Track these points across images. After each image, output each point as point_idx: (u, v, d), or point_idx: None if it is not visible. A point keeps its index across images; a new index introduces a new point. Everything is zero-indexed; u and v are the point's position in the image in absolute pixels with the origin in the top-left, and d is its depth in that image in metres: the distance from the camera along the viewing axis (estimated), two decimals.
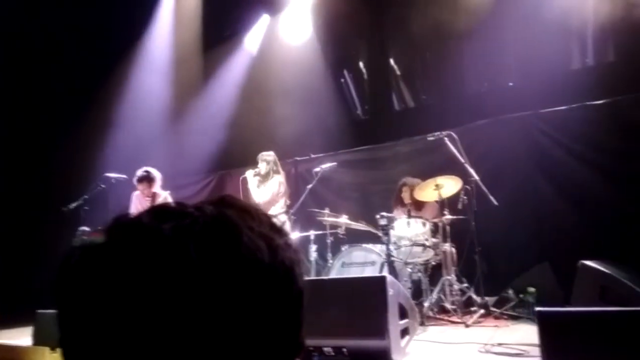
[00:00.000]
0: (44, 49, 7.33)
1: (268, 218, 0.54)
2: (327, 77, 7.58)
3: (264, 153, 5.62)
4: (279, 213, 5.31)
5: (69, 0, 7.19)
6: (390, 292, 2.99)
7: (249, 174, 5.50)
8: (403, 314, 3.20)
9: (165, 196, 5.65)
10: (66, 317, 0.48)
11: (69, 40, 7.29)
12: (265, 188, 5.44)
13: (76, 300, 0.47)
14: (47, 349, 3.55)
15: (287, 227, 5.19)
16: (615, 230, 4.87)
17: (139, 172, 5.57)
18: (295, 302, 0.52)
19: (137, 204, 5.71)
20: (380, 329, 2.92)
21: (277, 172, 5.58)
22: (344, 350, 3.03)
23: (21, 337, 4.55)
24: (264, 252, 0.48)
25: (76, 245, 0.50)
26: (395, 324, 3.03)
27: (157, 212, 0.50)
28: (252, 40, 8.21)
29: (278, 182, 5.49)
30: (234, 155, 7.58)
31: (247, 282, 0.47)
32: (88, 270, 0.47)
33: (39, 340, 3.87)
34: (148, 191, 5.60)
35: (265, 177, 5.47)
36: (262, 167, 5.49)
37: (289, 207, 5.48)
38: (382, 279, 3.06)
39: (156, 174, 5.61)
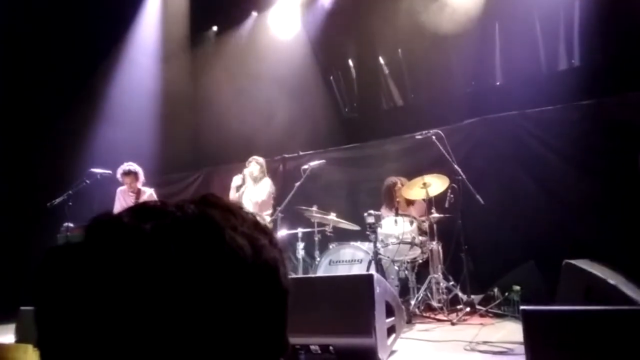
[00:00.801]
0: (28, 43, 7.21)
1: (252, 217, 0.53)
2: (316, 75, 7.57)
3: (256, 156, 5.66)
4: (269, 214, 5.32)
5: None
6: (377, 290, 3.00)
7: (237, 179, 5.49)
8: (390, 312, 3.20)
9: (150, 193, 5.62)
10: (44, 317, 0.46)
11: (54, 34, 7.17)
12: (260, 188, 5.46)
13: (54, 300, 0.45)
14: (30, 346, 3.50)
15: (272, 226, 5.21)
16: (601, 230, 4.93)
17: (124, 167, 5.54)
18: (279, 302, 0.51)
19: (122, 199, 5.67)
20: (366, 327, 2.92)
21: (266, 175, 5.63)
22: (331, 348, 3.03)
23: (4, 334, 4.49)
24: (247, 252, 0.47)
25: (55, 245, 0.49)
26: (381, 322, 3.04)
27: (137, 211, 0.49)
28: (241, 37, 8.16)
29: (270, 184, 5.54)
30: (221, 153, 7.54)
31: (230, 282, 0.46)
32: (67, 269, 0.46)
33: (22, 337, 3.82)
34: (133, 186, 5.57)
35: (259, 179, 5.50)
36: (256, 169, 5.50)
37: (275, 207, 5.49)
38: (369, 277, 3.06)
39: (139, 168, 5.58)
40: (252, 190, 5.46)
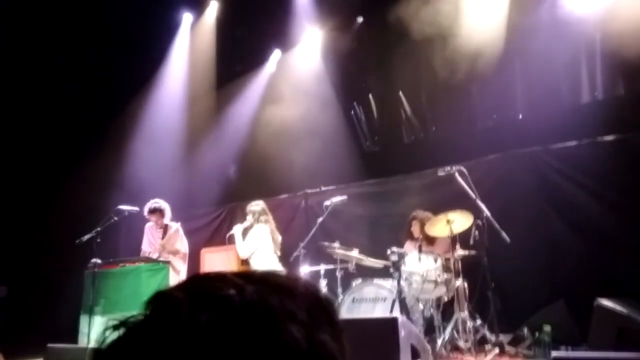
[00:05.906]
0: (60, 83, 7.51)
1: (312, 296, 0.54)
2: (337, 110, 7.67)
3: (252, 203, 5.57)
4: (264, 264, 5.23)
5: (87, 35, 7.39)
6: (402, 333, 2.96)
7: (237, 229, 5.44)
8: (415, 355, 3.16)
9: (176, 228, 5.72)
10: None
11: (86, 75, 7.47)
12: (246, 241, 5.36)
13: None
14: None
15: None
16: (629, 266, 4.79)
17: (150, 204, 5.70)
18: None
19: (150, 235, 5.82)
20: None
21: (263, 221, 5.45)
22: None
23: None
24: (302, 346, 0.48)
25: (114, 325, 0.50)
26: None
27: (195, 293, 0.50)
28: (264, 75, 8.38)
29: (258, 233, 5.36)
30: (245, 188, 7.64)
31: None
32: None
33: None
34: (160, 222, 5.72)
35: (248, 229, 5.40)
36: (249, 219, 5.43)
37: (280, 257, 5.41)
38: (394, 321, 3.03)
39: (165, 205, 5.71)
40: (240, 244, 5.35)
